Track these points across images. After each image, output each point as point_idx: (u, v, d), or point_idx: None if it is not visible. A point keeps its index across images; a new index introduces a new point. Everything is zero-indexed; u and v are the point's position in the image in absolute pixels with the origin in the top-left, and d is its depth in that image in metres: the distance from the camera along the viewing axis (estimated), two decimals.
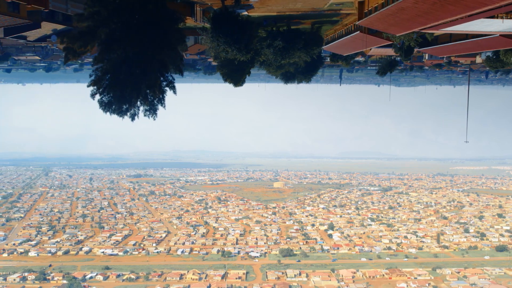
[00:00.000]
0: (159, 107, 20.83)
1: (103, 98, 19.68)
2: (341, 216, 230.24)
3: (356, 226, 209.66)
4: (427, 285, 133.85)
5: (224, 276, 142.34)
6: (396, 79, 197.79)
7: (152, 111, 20.82)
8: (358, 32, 37.73)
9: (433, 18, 22.41)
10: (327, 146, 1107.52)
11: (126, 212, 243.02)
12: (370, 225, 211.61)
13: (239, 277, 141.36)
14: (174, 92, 21.42)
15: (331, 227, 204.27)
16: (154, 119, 20.96)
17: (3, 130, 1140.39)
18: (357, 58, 74.11)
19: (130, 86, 19.45)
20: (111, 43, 18.46)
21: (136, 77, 19.54)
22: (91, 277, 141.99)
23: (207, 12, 33.69)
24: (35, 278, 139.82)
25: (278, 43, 34.93)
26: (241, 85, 41.49)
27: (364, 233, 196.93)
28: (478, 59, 63.47)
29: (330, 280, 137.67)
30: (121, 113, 20.26)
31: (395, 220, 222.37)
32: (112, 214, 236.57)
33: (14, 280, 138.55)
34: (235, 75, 39.20)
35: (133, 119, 20.75)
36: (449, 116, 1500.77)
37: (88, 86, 20.15)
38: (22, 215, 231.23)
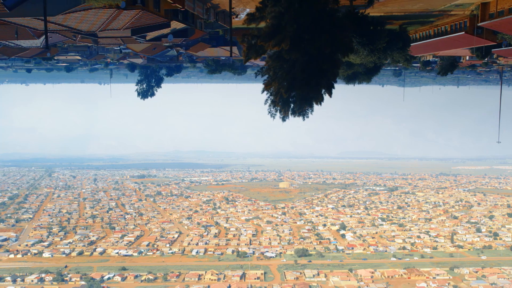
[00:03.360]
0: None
1: (280, 99, 19.28)
2: (351, 216, 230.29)
3: (368, 226, 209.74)
4: (447, 284, 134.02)
5: (242, 277, 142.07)
6: (402, 79, 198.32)
7: (307, 111, 20.58)
8: (463, 33, 37.61)
9: None
10: (327, 146, 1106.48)
11: (135, 212, 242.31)
12: (382, 225, 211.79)
13: (258, 278, 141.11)
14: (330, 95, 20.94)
15: (343, 227, 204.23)
16: (303, 119, 20.73)
17: (4, 130, 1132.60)
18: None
19: (313, 86, 19.22)
20: (298, 42, 18.15)
21: (317, 77, 19.26)
22: (108, 278, 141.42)
23: None
24: (52, 279, 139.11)
25: (380, 43, 34.36)
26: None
27: (376, 233, 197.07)
28: None
29: (349, 280, 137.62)
30: (301, 113, 20.01)
31: (406, 220, 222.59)
32: (122, 215, 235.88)
33: (32, 281, 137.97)
34: None
35: (284, 120, 20.60)
36: (450, 116, 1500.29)
37: (265, 87, 19.67)
38: (31, 216, 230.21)
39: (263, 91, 20.93)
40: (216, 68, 72.17)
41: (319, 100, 20.01)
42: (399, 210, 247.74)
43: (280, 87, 18.97)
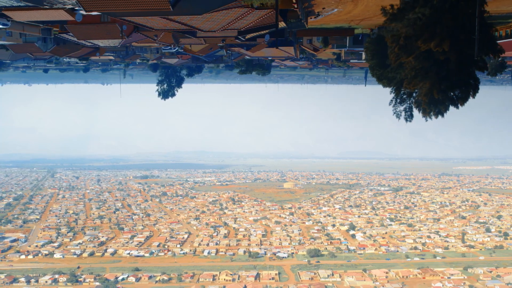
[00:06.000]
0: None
1: (430, 99, 19.12)
2: (359, 216, 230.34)
3: (377, 226, 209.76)
4: (462, 284, 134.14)
5: (257, 277, 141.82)
6: None
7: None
8: None
9: None
10: (328, 146, 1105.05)
11: (142, 213, 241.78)
12: (390, 225, 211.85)
13: (272, 278, 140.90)
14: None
15: (352, 227, 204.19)
16: (426, 120, 20.67)
17: (4, 130, 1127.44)
18: None
19: (464, 87, 19.18)
20: (455, 43, 17.92)
21: (468, 78, 19.14)
22: (123, 279, 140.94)
23: None
24: (66, 280, 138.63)
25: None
26: None
27: (386, 233, 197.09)
28: None
29: (364, 280, 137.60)
30: (442, 114, 19.93)
31: (414, 220, 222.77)
32: (129, 215, 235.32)
33: (46, 282, 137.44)
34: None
35: (408, 121, 20.74)
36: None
37: (409, 88, 19.47)
38: (38, 217, 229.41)
39: (393, 91, 20.80)
40: (247, 69, 71.92)
41: (465, 101, 19.92)
42: (407, 210, 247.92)
43: (432, 87, 18.79)
